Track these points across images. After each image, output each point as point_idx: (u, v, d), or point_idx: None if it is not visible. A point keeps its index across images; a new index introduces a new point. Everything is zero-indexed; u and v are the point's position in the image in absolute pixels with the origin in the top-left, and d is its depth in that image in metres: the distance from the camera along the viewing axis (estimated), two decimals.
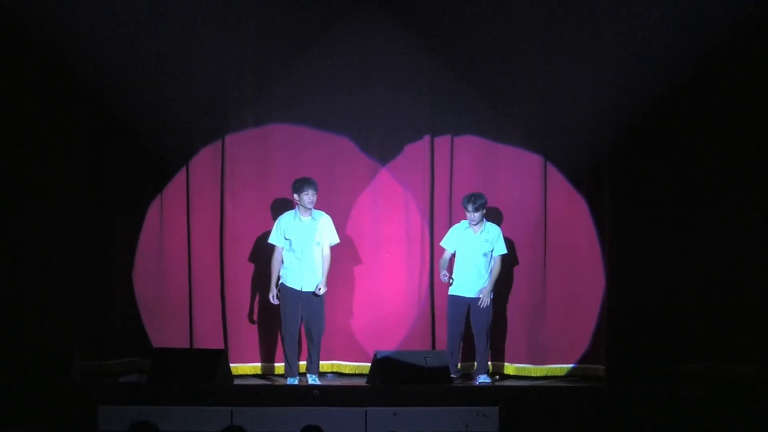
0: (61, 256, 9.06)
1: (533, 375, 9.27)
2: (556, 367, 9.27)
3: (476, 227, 8.98)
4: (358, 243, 9.39)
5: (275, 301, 8.85)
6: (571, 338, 9.28)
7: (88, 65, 8.94)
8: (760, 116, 9.10)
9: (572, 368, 9.27)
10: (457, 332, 8.99)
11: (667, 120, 9.12)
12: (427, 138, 9.39)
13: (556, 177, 9.33)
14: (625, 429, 7.84)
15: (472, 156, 9.43)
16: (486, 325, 8.96)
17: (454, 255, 9.05)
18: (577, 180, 9.31)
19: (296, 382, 8.78)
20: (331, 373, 9.32)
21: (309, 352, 8.89)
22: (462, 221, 9.07)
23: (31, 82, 9.02)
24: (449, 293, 9.01)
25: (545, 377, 9.25)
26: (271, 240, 8.92)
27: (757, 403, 7.95)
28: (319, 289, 8.80)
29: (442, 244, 9.12)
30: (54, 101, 9.06)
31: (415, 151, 9.39)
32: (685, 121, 9.15)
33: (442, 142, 9.42)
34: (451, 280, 8.92)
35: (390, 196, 9.41)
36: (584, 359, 9.25)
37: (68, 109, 9.09)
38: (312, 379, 8.82)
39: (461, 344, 9.07)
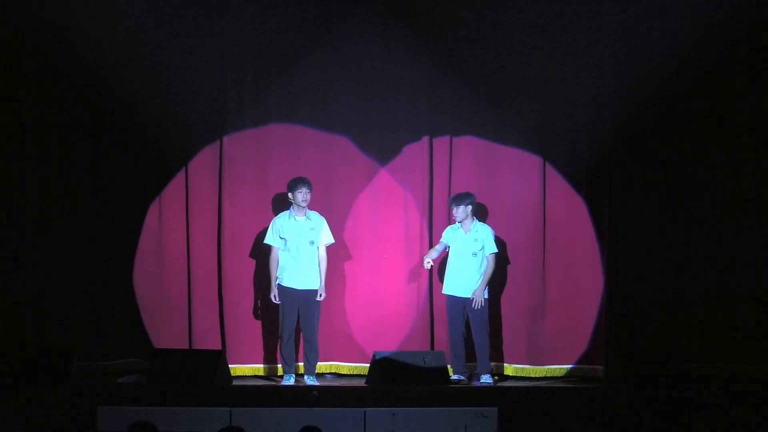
0: (60, 257, 9.07)
1: (532, 375, 9.26)
2: (555, 368, 9.27)
3: (465, 226, 8.99)
4: (356, 243, 9.39)
5: (277, 301, 8.87)
6: (570, 339, 9.27)
7: (86, 66, 8.95)
8: (759, 117, 9.08)
9: (571, 369, 9.26)
10: (458, 333, 8.99)
11: (666, 121, 9.11)
12: (426, 138, 9.39)
13: (555, 178, 9.33)
14: (625, 429, 7.84)
15: (472, 157, 9.43)
16: (482, 325, 8.95)
17: (446, 252, 9.09)
18: (576, 181, 9.30)
19: (293, 381, 8.80)
20: (330, 374, 9.33)
21: (305, 353, 8.91)
22: (455, 223, 9.10)
23: (30, 82, 9.03)
24: (444, 292, 9.04)
25: (544, 378, 9.25)
26: (267, 241, 8.94)
27: (757, 403, 7.93)
28: (320, 295, 8.84)
29: (442, 241, 9.17)
30: (52, 102, 9.06)
31: (414, 152, 9.39)
32: (685, 121, 9.15)
33: (441, 142, 9.42)
34: (430, 264, 8.98)
35: (389, 197, 9.42)
36: (583, 360, 9.24)
37: (67, 110, 9.09)
38: (310, 380, 8.83)
39: (464, 344, 9.05)
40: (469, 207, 8.99)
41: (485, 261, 8.99)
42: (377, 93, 9.35)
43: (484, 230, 9.03)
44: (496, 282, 9.19)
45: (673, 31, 8.94)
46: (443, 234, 9.15)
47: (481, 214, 9.23)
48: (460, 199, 8.99)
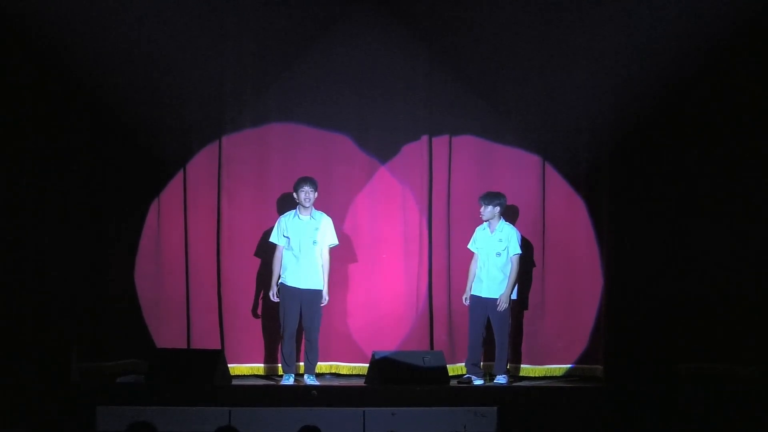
0: (59, 258, 9.05)
1: (532, 375, 9.25)
2: (555, 368, 9.26)
3: (492, 226, 8.97)
4: (355, 243, 9.38)
5: (275, 299, 8.87)
6: (570, 338, 9.27)
7: (85, 66, 8.94)
8: (759, 117, 9.08)
9: (570, 368, 9.26)
10: (478, 333, 8.94)
11: (665, 121, 9.10)
12: (425, 138, 9.38)
13: (554, 177, 9.33)
14: (624, 429, 7.84)
15: (471, 156, 9.43)
16: (502, 327, 8.90)
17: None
18: (575, 180, 9.30)
19: (292, 380, 8.80)
20: (329, 374, 9.32)
21: (306, 353, 8.91)
22: (484, 222, 9.06)
23: (28, 83, 9.00)
24: (471, 293, 8.99)
25: (544, 377, 9.24)
26: (272, 239, 8.95)
27: (757, 403, 7.93)
28: (324, 299, 8.83)
29: (468, 246, 9.10)
30: (51, 102, 9.05)
31: (413, 151, 9.38)
32: (684, 121, 9.14)
33: (440, 142, 9.41)
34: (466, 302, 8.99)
35: (388, 196, 9.41)
36: (582, 359, 9.24)
37: (65, 110, 9.09)
38: (310, 380, 8.83)
39: (482, 346, 9.02)
40: (497, 208, 8.92)
41: (510, 263, 8.95)
42: (376, 92, 9.34)
43: (508, 231, 8.98)
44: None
45: (673, 30, 8.92)
46: (472, 241, 9.03)
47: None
48: (489, 198, 8.92)
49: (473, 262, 9.04)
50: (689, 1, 8.89)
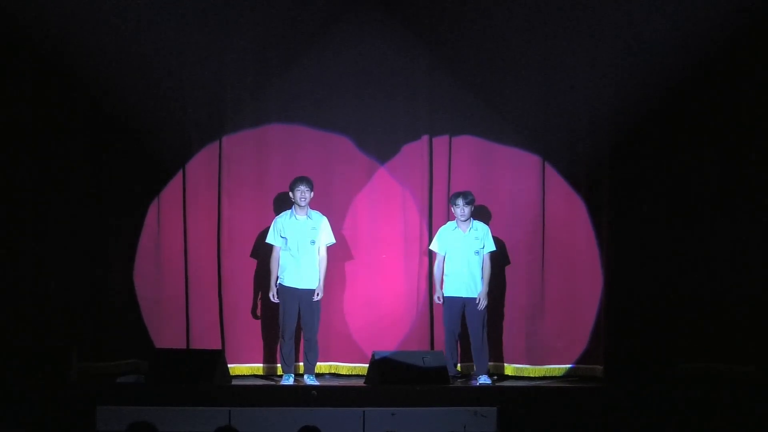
0: (58, 258, 9.07)
1: (531, 375, 9.26)
2: (555, 368, 9.26)
3: (464, 226, 8.98)
4: (355, 243, 9.38)
5: (276, 300, 8.87)
6: (569, 338, 9.27)
7: (85, 66, 8.95)
8: (759, 116, 9.09)
9: (570, 368, 9.26)
10: (454, 333, 8.98)
11: (665, 120, 9.12)
12: (425, 138, 9.38)
13: (554, 177, 9.32)
14: (624, 429, 7.84)
15: (471, 156, 9.42)
16: (481, 326, 8.93)
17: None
18: (575, 180, 9.30)
19: (292, 381, 8.80)
20: (329, 374, 9.32)
21: (305, 353, 8.91)
22: (448, 222, 9.08)
23: (28, 83, 9.03)
24: (444, 294, 8.99)
25: (543, 377, 9.25)
26: (268, 240, 8.95)
27: (757, 403, 7.93)
28: (317, 294, 8.83)
29: (432, 247, 9.10)
30: (51, 102, 9.07)
31: (413, 151, 9.37)
32: (684, 121, 9.15)
33: (440, 142, 9.40)
34: (440, 300, 8.98)
35: (388, 196, 9.40)
36: (582, 359, 9.24)
37: (65, 110, 9.10)
38: (310, 380, 8.83)
39: (459, 345, 9.06)
40: (472, 207, 8.96)
41: (484, 260, 8.97)
42: (376, 92, 9.34)
43: (483, 228, 9.01)
44: (495, 282, 9.17)
45: (672, 30, 8.94)
46: (437, 240, 9.04)
47: (483, 214, 9.21)
48: (466, 197, 8.91)
49: (438, 262, 9.01)
50: (689, 1, 8.89)
